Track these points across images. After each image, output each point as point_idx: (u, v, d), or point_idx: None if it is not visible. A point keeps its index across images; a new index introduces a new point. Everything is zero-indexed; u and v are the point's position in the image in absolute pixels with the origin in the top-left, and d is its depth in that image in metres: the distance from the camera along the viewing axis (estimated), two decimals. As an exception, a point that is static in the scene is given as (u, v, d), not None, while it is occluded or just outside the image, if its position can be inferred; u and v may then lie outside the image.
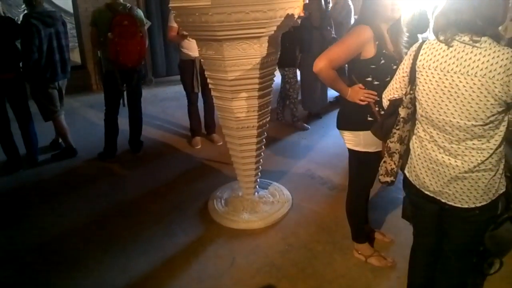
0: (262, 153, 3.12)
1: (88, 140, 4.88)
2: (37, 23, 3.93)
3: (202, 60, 2.87)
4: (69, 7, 7.35)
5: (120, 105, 4.36)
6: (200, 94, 4.56)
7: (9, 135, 4.12)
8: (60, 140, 4.68)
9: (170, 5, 2.62)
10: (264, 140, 3.09)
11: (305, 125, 5.13)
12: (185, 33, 3.70)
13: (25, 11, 4.13)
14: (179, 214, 3.26)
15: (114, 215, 3.31)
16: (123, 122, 4.53)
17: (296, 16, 2.61)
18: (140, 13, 4.20)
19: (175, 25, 4.03)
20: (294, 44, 4.80)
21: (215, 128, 4.78)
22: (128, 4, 4.14)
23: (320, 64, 2.09)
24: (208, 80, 2.87)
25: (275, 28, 2.55)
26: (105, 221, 3.22)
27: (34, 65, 3.99)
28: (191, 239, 2.92)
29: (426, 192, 1.71)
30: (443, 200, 1.65)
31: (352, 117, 2.28)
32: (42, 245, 2.92)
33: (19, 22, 4.06)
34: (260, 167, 3.17)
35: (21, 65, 4.08)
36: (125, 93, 4.41)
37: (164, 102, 6.57)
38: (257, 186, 3.27)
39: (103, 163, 4.33)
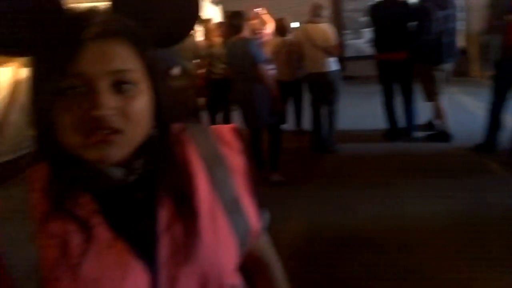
0: None
1: (464, 128, 4.54)
2: (431, 6, 3.92)
3: None
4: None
5: (507, 99, 3.78)
6: None
7: (392, 108, 4.51)
8: (435, 122, 4.61)
9: None
10: None
11: None
12: None
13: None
14: None
15: (478, 222, 2.81)
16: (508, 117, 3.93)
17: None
18: None
19: None
20: None
21: None
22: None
23: None
24: None
25: None
26: (467, 225, 2.81)
27: (424, 47, 4.04)
28: None
29: None
30: None
31: None
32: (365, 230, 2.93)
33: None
34: None
35: (411, 47, 4.22)
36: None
37: None
38: None
39: (478, 156, 3.92)
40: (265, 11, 5.21)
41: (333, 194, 3.46)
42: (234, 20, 3.58)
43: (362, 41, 7.59)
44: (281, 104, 3.70)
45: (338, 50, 4.39)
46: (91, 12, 0.57)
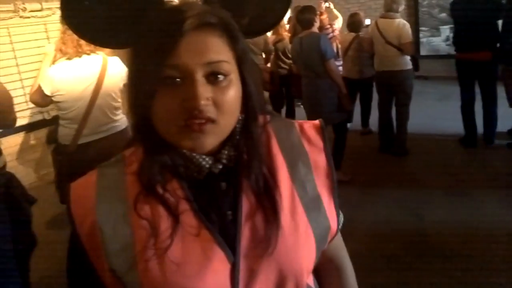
0: None
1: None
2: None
3: None
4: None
5: None
6: None
7: (471, 113, 4.11)
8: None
9: None
10: None
11: None
12: None
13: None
14: None
15: None
16: None
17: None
18: None
19: None
20: None
21: None
22: None
23: None
24: None
25: None
26: None
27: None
28: None
29: None
30: None
31: None
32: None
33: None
34: None
35: (497, 46, 3.86)
36: None
37: None
38: None
39: None
40: (332, 6, 5.06)
41: (400, 198, 3.29)
42: (303, 15, 3.50)
43: (439, 39, 7.12)
44: (349, 102, 3.57)
45: (412, 48, 4.13)
46: (188, 4, 0.60)
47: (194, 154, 0.61)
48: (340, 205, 0.71)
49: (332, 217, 0.68)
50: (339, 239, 0.78)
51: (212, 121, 0.57)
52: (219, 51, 0.57)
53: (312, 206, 0.66)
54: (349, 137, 3.93)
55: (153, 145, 0.61)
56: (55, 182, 2.64)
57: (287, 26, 5.14)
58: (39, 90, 2.27)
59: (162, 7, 0.60)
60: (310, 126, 0.72)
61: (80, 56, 2.25)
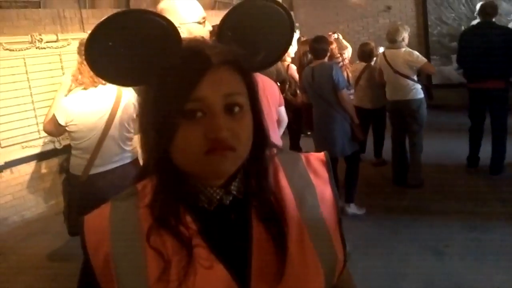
0: None
1: None
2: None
3: None
4: None
5: None
6: None
7: (480, 131, 4.14)
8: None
9: None
10: None
11: None
12: None
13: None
14: None
15: None
16: None
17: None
18: None
19: None
20: None
21: None
22: None
23: None
24: None
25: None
26: None
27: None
28: None
29: None
30: None
31: None
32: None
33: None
34: None
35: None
36: None
37: None
38: None
39: None
40: (340, 36, 5.09)
41: (418, 232, 3.17)
42: (319, 44, 3.50)
43: (451, 67, 7.10)
44: (361, 132, 3.52)
45: (432, 66, 4.15)
46: (207, 43, 0.64)
47: (206, 186, 0.63)
48: (354, 240, 0.67)
49: (339, 249, 0.69)
50: (347, 272, 0.77)
51: (232, 149, 0.59)
52: (235, 84, 0.62)
53: (320, 238, 0.66)
54: (362, 168, 3.85)
55: (167, 178, 0.63)
56: (64, 213, 2.60)
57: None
58: (53, 119, 2.27)
59: (182, 45, 0.63)
60: (316, 159, 0.74)
61: (96, 86, 2.25)
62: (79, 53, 2.27)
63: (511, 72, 3.91)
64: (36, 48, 4.38)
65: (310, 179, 0.71)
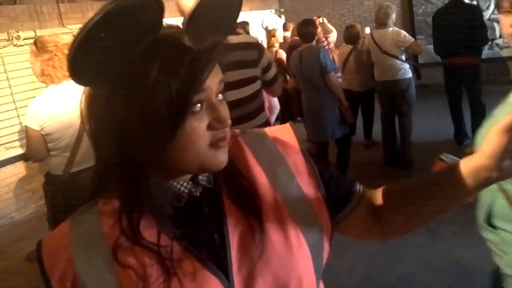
0: None
1: None
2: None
3: None
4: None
5: None
6: None
7: (459, 109, 4.30)
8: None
9: None
10: None
11: None
12: None
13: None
14: None
15: None
16: None
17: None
18: None
19: None
20: None
21: None
22: None
23: None
24: None
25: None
26: None
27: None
28: None
29: None
30: None
31: None
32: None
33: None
34: None
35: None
36: None
37: None
38: None
39: None
40: (325, 20, 5.04)
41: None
42: (307, 28, 3.44)
43: (437, 46, 7.10)
44: (351, 115, 3.49)
45: (419, 46, 4.21)
46: (203, 36, 0.57)
47: (171, 182, 0.60)
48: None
49: (324, 215, 0.67)
50: (367, 194, 0.75)
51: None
52: (220, 71, 0.60)
53: (299, 209, 0.64)
54: (353, 150, 3.83)
55: (133, 192, 0.57)
56: (48, 219, 2.34)
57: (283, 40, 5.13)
58: (27, 131, 2.13)
59: (183, 43, 0.56)
60: (281, 130, 0.72)
61: (69, 80, 2.11)
62: (42, 48, 2.11)
63: (481, 49, 4.13)
64: (14, 45, 4.26)
65: (280, 153, 0.68)
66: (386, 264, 2.60)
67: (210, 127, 0.56)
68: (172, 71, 0.53)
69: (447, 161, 1.30)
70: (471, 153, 0.63)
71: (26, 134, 2.19)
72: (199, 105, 0.56)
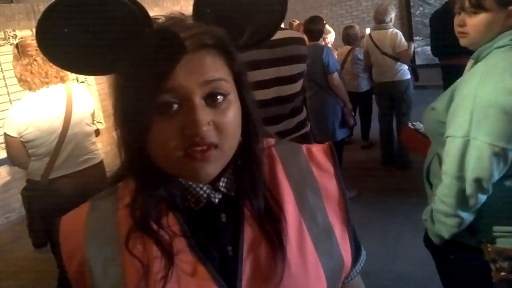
0: None
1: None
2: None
3: None
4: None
5: None
6: None
7: None
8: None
9: None
10: None
11: None
12: None
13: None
14: None
15: None
16: None
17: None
18: None
19: None
20: None
21: None
22: None
23: None
24: None
25: None
26: None
27: None
28: None
29: None
30: None
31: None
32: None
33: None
34: None
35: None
36: None
37: None
38: None
39: None
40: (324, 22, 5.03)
41: (409, 211, 3.16)
42: (315, 25, 3.41)
43: (434, 47, 7.12)
44: (352, 118, 3.48)
45: (409, 55, 4.10)
46: (181, 24, 0.55)
47: (191, 183, 0.57)
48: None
49: (346, 250, 0.62)
50: (357, 282, 0.70)
51: (215, 146, 0.52)
52: (216, 69, 0.53)
53: (322, 238, 0.60)
54: (351, 151, 3.84)
55: (146, 178, 0.57)
56: (27, 226, 2.25)
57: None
58: (5, 139, 2.08)
59: (152, 29, 0.52)
60: (319, 150, 0.66)
61: (47, 87, 2.08)
62: (23, 52, 2.06)
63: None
64: (11, 44, 4.22)
65: (312, 173, 0.63)
66: (386, 264, 2.60)
67: (182, 131, 0.51)
68: (140, 65, 0.51)
69: (416, 128, 1.49)
70: None
71: (5, 141, 2.13)
72: (176, 105, 0.51)
